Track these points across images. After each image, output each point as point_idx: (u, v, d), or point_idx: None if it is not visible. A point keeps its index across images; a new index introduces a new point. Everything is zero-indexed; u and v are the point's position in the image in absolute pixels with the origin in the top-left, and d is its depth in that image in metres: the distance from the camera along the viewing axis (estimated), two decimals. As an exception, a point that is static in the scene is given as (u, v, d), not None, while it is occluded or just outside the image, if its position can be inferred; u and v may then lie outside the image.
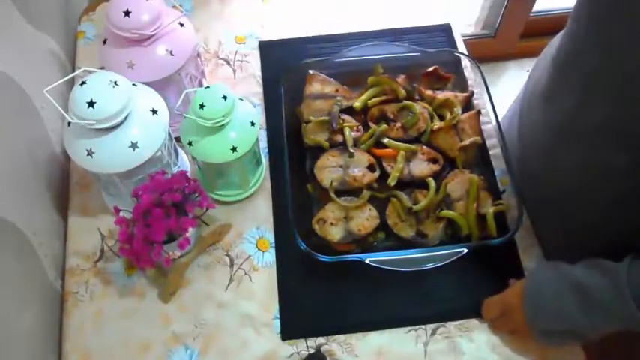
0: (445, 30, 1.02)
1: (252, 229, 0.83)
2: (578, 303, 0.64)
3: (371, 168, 0.82)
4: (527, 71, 0.88)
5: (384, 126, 0.84)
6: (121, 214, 0.72)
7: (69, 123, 0.70)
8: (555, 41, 0.77)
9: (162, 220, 0.68)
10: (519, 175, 0.79)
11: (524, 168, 0.82)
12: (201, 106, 0.69)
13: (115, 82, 0.67)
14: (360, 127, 0.86)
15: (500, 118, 0.84)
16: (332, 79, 0.90)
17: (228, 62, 0.99)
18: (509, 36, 1.89)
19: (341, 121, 0.85)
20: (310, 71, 0.89)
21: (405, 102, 0.86)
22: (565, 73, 0.70)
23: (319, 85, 0.89)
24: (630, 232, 0.68)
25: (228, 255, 0.81)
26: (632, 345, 0.94)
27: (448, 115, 0.85)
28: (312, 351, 0.74)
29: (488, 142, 0.86)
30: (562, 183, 0.75)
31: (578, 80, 0.67)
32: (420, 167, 0.82)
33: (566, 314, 0.65)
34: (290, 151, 0.79)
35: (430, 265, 0.72)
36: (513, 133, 0.87)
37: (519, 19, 1.83)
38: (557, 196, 0.77)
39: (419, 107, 0.85)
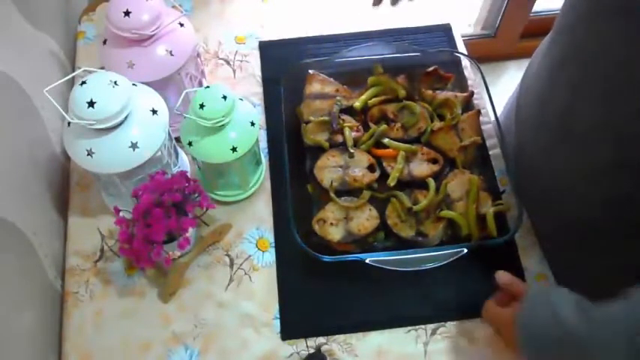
0: (445, 30, 1.02)
1: (252, 229, 0.83)
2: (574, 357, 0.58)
3: (371, 168, 0.82)
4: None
5: (384, 126, 0.84)
6: (121, 214, 0.72)
7: (69, 123, 0.70)
8: (549, 39, 0.77)
9: (163, 220, 0.68)
10: (518, 171, 0.79)
11: (523, 164, 0.82)
12: (201, 106, 0.69)
13: (115, 82, 0.67)
14: (360, 127, 0.86)
15: (498, 114, 0.84)
16: (332, 79, 0.90)
17: (228, 62, 0.99)
18: (509, 36, 1.89)
19: (341, 121, 0.85)
20: (310, 71, 0.89)
21: (405, 102, 0.86)
22: (559, 72, 0.70)
23: (319, 85, 0.89)
24: (631, 231, 0.68)
25: (228, 255, 0.81)
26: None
27: (448, 115, 0.85)
28: (312, 351, 0.74)
29: (488, 142, 0.86)
30: (561, 180, 0.75)
31: (572, 78, 0.67)
32: (420, 167, 0.82)
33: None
34: (290, 151, 0.79)
35: (430, 265, 0.72)
36: (510, 129, 0.87)
37: (519, 19, 1.83)
38: (556, 193, 0.77)
39: (419, 107, 0.85)
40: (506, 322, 0.65)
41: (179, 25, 0.79)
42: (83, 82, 0.66)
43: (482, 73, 0.86)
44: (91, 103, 0.65)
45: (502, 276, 0.70)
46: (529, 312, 0.62)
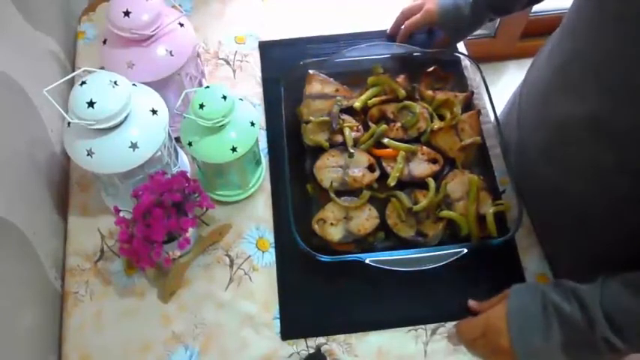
0: (445, 30, 1.02)
1: (252, 229, 0.83)
2: (560, 329, 0.63)
3: (371, 168, 0.82)
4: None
5: (384, 126, 0.84)
6: (121, 214, 0.72)
7: (69, 123, 0.70)
8: (552, 39, 0.77)
9: (162, 220, 0.68)
10: (518, 171, 0.79)
11: (523, 164, 0.82)
12: (201, 106, 0.69)
13: (115, 82, 0.67)
14: (360, 127, 0.86)
15: (498, 113, 0.84)
16: (332, 79, 0.90)
17: (228, 62, 0.99)
18: (509, 36, 1.89)
19: (341, 121, 0.85)
20: (310, 71, 0.89)
21: (405, 102, 0.86)
22: (561, 74, 0.70)
23: (319, 85, 0.89)
24: (631, 231, 0.68)
25: (228, 255, 0.81)
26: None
27: (448, 115, 0.85)
28: (312, 351, 0.74)
29: (488, 142, 0.86)
30: (562, 181, 0.75)
31: (574, 81, 0.67)
32: (420, 167, 0.82)
33: (550, 336, 0.63)
34: (290, 151, 0.79)
35: (430, 265, 0.72)
36: (511, 129, 0.87)
37: (519, 19, 1.83)
38: (556, 193, 0.77)
39: (419, 107, 0.85)
40: (494, 318, 0.68)
41: (179, 25, 0.79)
42: (83, 82, 0.66)
43: (482, 73, 0.86)
44: (91, 103, 0.65)
45: (474, 303, 0.74)
46: (519, 302, 0.66)
